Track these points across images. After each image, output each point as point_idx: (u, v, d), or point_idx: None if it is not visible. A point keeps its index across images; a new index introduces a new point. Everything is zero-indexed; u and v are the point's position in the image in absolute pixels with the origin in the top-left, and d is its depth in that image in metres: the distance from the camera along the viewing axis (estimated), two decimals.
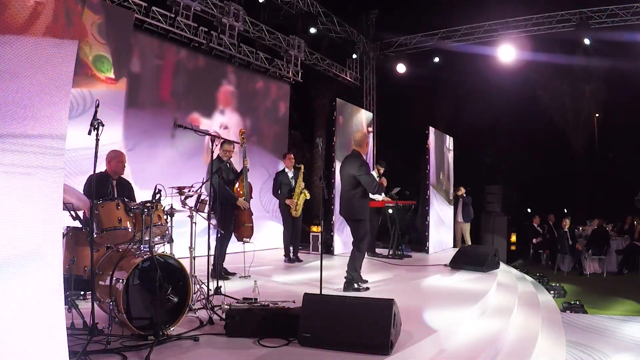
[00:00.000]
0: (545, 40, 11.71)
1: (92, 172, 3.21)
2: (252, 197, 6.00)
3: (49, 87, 2.04)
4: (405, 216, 8.59)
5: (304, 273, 6.29)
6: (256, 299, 3.92)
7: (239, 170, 5.85)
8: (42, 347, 1.89)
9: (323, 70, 11.79)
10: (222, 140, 5.64)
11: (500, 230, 12.42)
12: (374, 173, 7.97)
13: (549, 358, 4.12)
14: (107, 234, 3.46)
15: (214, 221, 4.79)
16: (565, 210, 16.11)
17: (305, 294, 3.25)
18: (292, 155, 7.33)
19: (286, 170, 7.17)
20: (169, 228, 3.96)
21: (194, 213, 4.24)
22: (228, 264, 5.76)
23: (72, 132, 4.94)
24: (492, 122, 16.71)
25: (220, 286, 4.46)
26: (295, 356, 2.94)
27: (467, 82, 15.85)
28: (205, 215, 4.47)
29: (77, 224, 3.49)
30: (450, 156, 10.69)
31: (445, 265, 7.09)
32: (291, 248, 7.27)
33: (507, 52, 10.91)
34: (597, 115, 16.93)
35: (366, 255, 7.87)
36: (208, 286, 4.14)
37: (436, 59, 12.54)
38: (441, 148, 10.08)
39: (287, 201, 6.99)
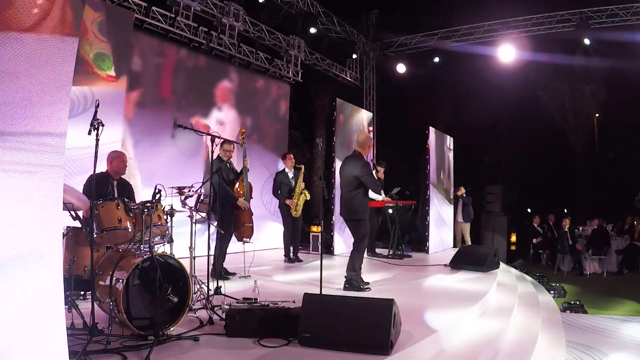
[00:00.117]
0: (545, 40, 11.71)
1: (92, 172, 3.21)
2: (252, 197, 6.00)
3: (49, 87, 2.04)
4: (405, 216, 8.59)
5: (304, 273, 6.29)
6: (256, 299, 3.92)
7: (239, 170, 5.85)
8: (42, 347, 1.89)
9: (323, 70, 11.79)
10: (222, 140, 5.64)
11: (500, 230, 12.42)
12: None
13: (549, 358, 4.11)
14: (107, 234, 3.47)
15: (213, 221, 4.79)
16: (565, 210, 16.11)
17: (305, 294, 3.25)
18: (292, 156, 7.33)
19: (286, 170, 7.17)
20: (169, 228, 3.96)
21: (194, 213, 4.24)
22: (228, 264, 5.76)
23: (72, 131, 4.95)
24: (492, 122, 16.71)
25: (220, 286, 4.45)
26: (295, 356, 2.94)
27: (467, 82, 15.84)
28: (205, 215, 4.47)
29: (77, 224, 3.49)
30: (450, 156, 10.69)
31: (445, 265, 7.09)
32: (291, 248, 7.27)
33: (507, 52, 10.91)
34: (597, 115, 16.93)
35: (366, 255, 7.89)
36: (208, 286, 4.14)
37: (436, 59, 12.53)
38: (442, 147, 10.08)
39: (287, 201, 6.99)
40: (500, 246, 11.01)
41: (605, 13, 10.08)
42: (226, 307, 3.52)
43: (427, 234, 8.98)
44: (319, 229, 8.02)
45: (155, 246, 3.87)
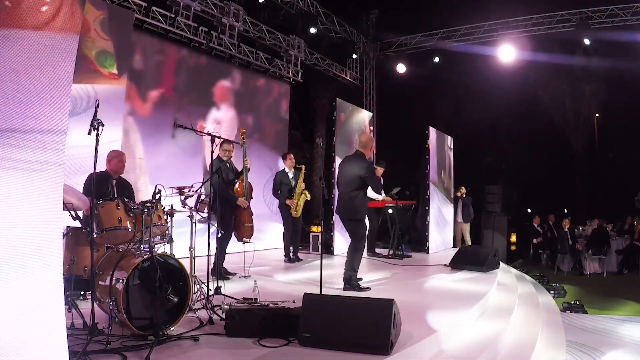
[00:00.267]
0: (545, 40, 11.71)
1: (92, 170, 3.21)
2: (252, 197, 6.00)
3: (49, 86, 2.04)
4: (405, 216, 8.59)
5: (304, 273, 6.29)
6: (256, 299, 3.92)
7: (239, 170, 5.85)
8: (42, 347, 1.89)
9: (323, 70, 11.79)
10: (221, 140, 5.64)
11: (500, 230, 12.42)
12: None
13: (548, 358, 4.12)
14: (107, 234, 3.47)
15: (213, 221, 4.79)
16: (565, 210, 16.12)
17: (305, 294, 3.25)
18: (292, 156, 7.33)
19: (286, 170, 7.17)
20: (169, 228, 3.96)
21: (194, 213, 4.24)
22: (228, 264, 5.76)
23: (75, 129, 4.98)
24: (492, 122, 16.71)
25: (220, 286, 4.45)
26: (295, 356, 2.94)
27: (467, 82, 15.85)
28: (205, 215, 4.47)
29: (77, 224, 3.49)
30: (451, 155, 10.70)
31: (445, 265, 7.09)
32: (291, 248, 7.27)
33: (507, 52, 10.91)
34: (597, 115, 16.93)
35: (366, 255, 7.91)
36: (208, 286, 4.14)
37: (436, 59, 12.53)
38: (442, 145, 10.08)
39: (287, 201, 6.99)
40: (500, 246, 11.01)
41: (605, 13, 10.08)
42: (226, 307, 3.52)
43: (427, 234, 8.98)
44: (319, 229, 8.02)
45: (155, 246, 3.87)
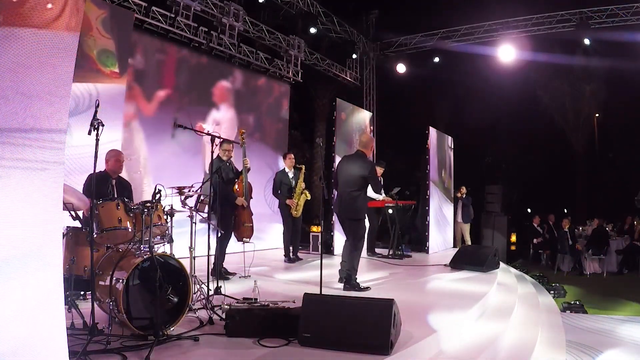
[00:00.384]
0: (545, 40, 11.72)
1: (92, 170, 3.21)
2: (252, 197, 6.00)
3: (49, 86, 2.04)
4: (405, 216, 8.59)
5: (304, 273, 6.29)
6: (256, 299, 3.91)
7: (239, 170, 5.84)
8: (42, 347, 1.89)
9: (323, 70, 11.78)
10: (221, 139, 5.64)
11: (500, 230, 12.42)
12: None
13: (548, 358, 4.11)
14: (107, 234, 3.47)
15: (213, 221, 4.79)
16: (565, 210, 16.11)
17: (305, 294, 3.25)
18: (292, 155, 7.33)
19: (286, 170, 7.17)
20: (169, 228, 3.96)
21: (194, 213, 4.24)
22: (228, 264, 5.76)
23: (76, 129, 4.97)
24: (492, 122, 16.71)
25: (220, 286, 4.45)
26: (295, 356, 2.94)
27: (467, 82, 15.85)
28: (205, 215, 4.47)
29: (77, 224, 3.49)
30: (451, 154, 10.70)
31: (445, 265, 7.09)
32: (291, 248, 7.27)
33: (507, 52, 10.91)
34: (597, 115, 16.94)
35: (366, 255, 7.91)
36: (208, 286, 4.13)
37: (436, 59, 12.53)
38: (442, 145, 10.08)
39: (288, 201, 6.99)
40: (500, 246, 11.01)
41: (605, 13, 10.08)
42: (226, 307, 3.52)
43: (427, 234, 8.97)
44: (319, 228, 8.02)
45: (155, 246, 3.87)
